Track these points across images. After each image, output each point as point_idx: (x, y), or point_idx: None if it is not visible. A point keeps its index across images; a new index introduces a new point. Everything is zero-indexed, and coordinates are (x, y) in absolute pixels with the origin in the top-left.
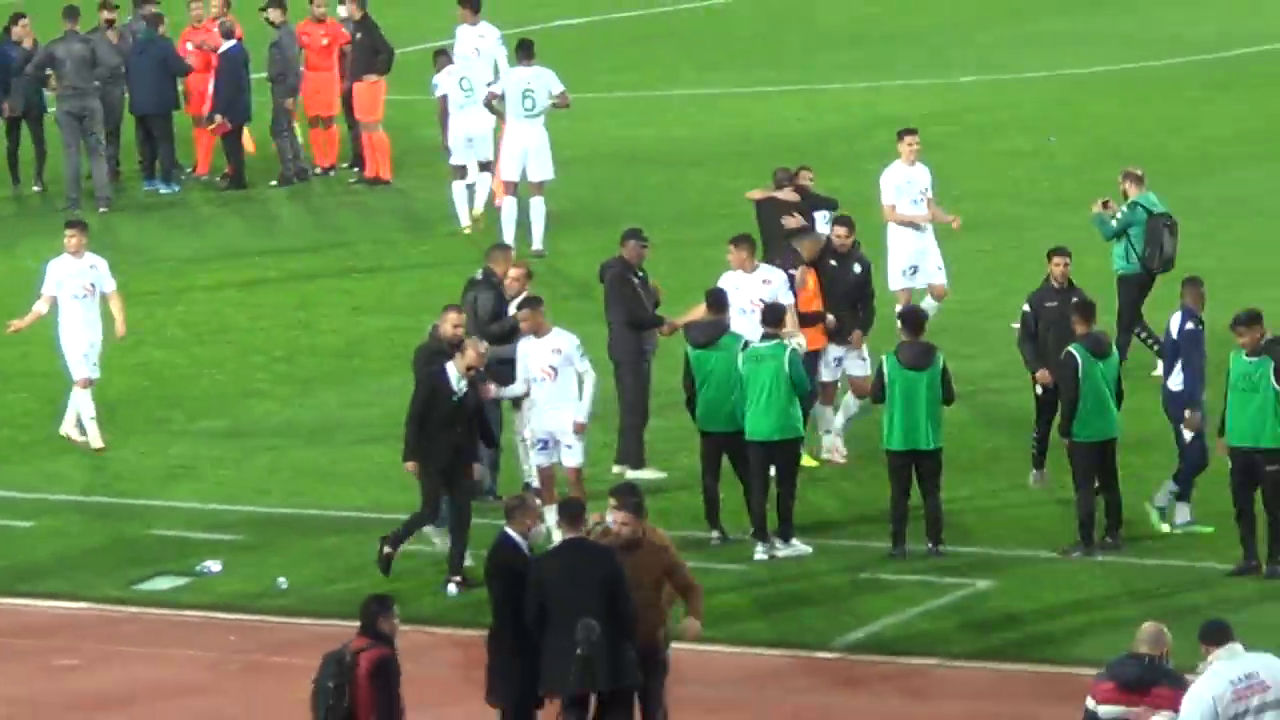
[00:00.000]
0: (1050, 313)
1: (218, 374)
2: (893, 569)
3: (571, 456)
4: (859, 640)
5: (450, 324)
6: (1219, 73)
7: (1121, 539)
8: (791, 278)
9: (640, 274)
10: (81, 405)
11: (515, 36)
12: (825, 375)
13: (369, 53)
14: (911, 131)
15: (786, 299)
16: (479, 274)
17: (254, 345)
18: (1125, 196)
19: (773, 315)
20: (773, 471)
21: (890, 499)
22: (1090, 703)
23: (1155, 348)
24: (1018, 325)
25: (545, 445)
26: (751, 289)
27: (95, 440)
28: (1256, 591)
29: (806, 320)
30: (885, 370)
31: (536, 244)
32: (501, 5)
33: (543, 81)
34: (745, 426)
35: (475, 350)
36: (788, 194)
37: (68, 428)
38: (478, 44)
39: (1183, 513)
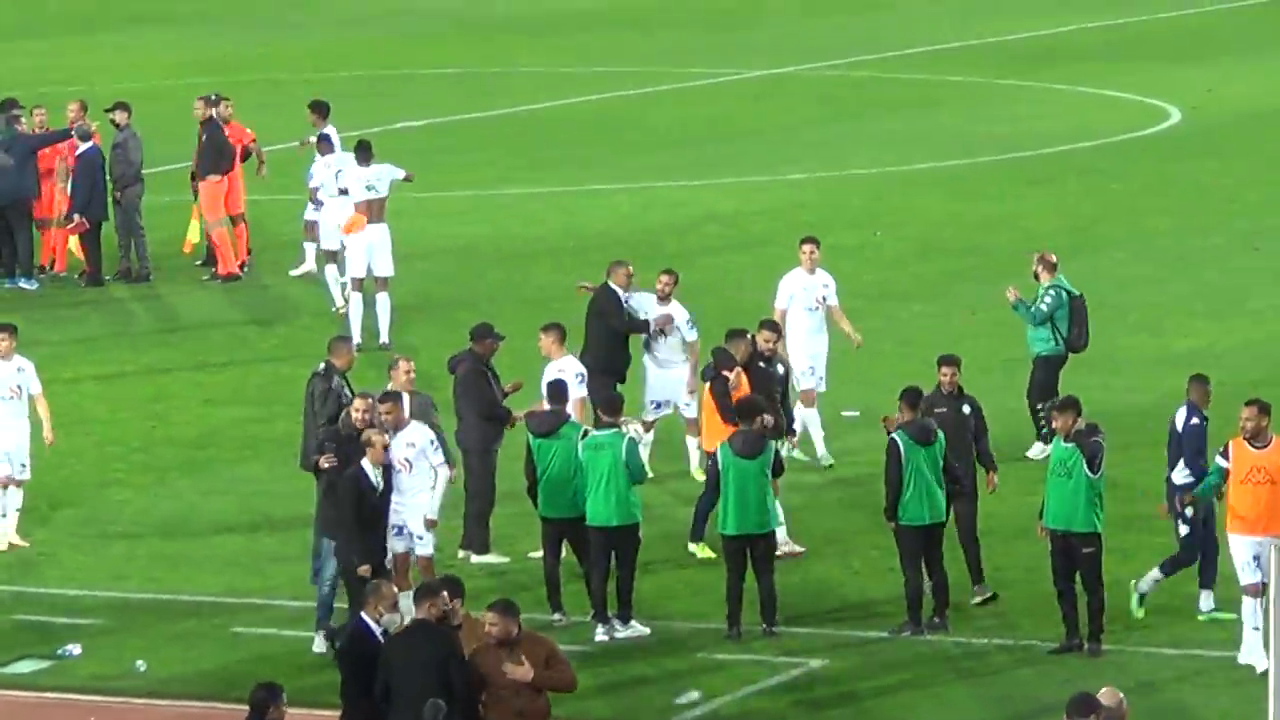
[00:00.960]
0: (940, 419)
1: (77, 464)
2: (728, 649)
3: (424, 546)
4: (696, 718)
5: (359, 410)
6: (1037, 170)
7: (949, 619)
8: (726, 379)
9: (491, 369)
10: (10, 501)
11: (356, 138)
12: None
13: (214, 154)
14: (811, 240)
15: (578, 392)
16: (321, 366)
17: (112, 436)
18: (1038, 279)
19: (610, 405)
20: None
21: (725, 581)
22: None
23: (1044, 429)
24: (853, 413)
25: (400, 532)
26: (549, 378)
27: (12, 537)
28: (1079, 669)
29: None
30: (719, 458)
31: (383, 337)
32: (344, 108)
33: (382, 177)
34: (586, 512)
35: (380, 439)
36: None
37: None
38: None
39: (1206, 600)
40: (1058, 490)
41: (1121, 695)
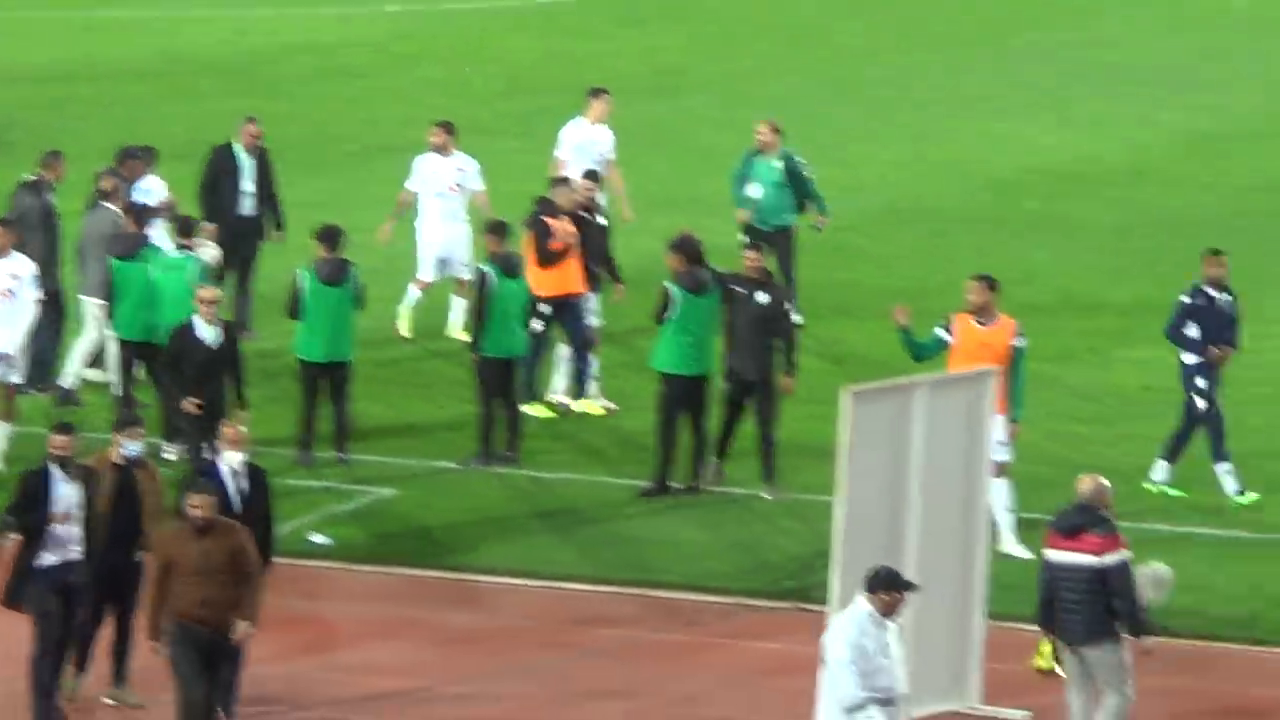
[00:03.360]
0: None
1: None
2: (298, 474)
3: (15, 374)
4: None
5: None
6: (626, 10)
7: (520, 452)
8: (545, 224)
9: None
10: None
11: None
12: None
13: None
14: (605, 91)
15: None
16: (30, 178)
17: None
18: (763, 149)
19: (186, 227)
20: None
21: (299, 406)
22: (1044, 550)
23: None
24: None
25: None
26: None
27: None
28: (662, 507)
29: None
30: (303, 285)
31: None
32: None
33: None
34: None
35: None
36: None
37: None
38: None
39: (1161, 471)
40: None
41: (1105, 483)
